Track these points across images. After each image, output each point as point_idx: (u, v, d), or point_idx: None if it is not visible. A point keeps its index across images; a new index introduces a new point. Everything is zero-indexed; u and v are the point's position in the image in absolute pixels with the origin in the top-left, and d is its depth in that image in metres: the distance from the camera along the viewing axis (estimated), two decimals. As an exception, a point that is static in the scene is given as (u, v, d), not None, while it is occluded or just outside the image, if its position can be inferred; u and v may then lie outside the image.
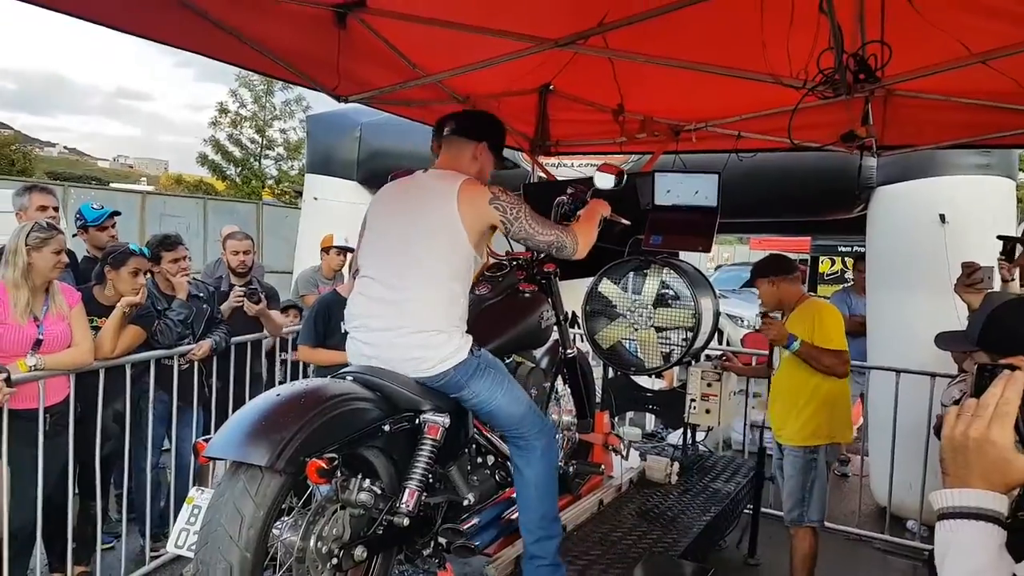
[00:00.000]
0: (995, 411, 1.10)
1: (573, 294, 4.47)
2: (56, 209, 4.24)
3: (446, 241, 2.42)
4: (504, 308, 2.94)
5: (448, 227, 2.41)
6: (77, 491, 3.86)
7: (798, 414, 3.72)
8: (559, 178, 5.28)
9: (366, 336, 2.42)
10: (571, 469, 3.31)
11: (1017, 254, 3.82)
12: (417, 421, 2.33)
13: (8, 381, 3.04)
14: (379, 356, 2.38)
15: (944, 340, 2.51)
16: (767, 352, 4.22)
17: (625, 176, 3.00)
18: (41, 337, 3.38)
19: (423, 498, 2.27)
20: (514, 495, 2.68)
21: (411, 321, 2.35)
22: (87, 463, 3.76)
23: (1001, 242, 3.83)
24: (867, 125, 3.08)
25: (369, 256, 2.56)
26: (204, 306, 4.32)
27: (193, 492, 2.24)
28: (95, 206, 4.56)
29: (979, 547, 1.07)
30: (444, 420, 2.32)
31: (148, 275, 4.02)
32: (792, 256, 5.04)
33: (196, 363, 4.23)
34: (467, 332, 2.48)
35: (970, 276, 3.39)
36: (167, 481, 4.36)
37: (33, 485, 3.31)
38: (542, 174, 5.36)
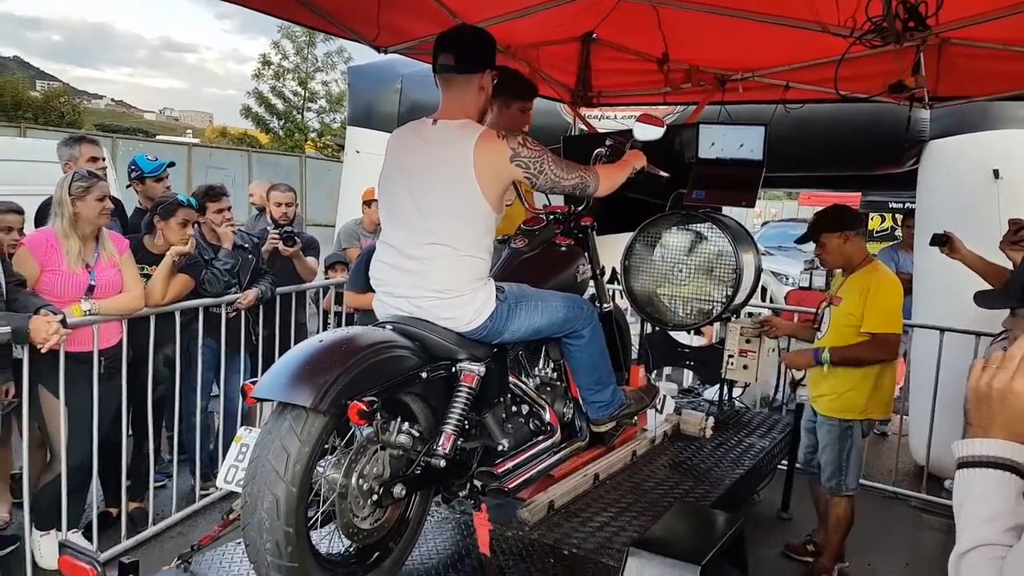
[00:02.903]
0: (1020, 363, 1.11)
1: (613, 249, 4.48)
2: (105, 159, 4.35)
3: (462, 206, 2.35)
4: (540, 261, 2.95)
5: (463, 190, 2.33)
6: (131, 432, 4.04)
7: (837, 385, 3.60)
8: (600, 130, 5.23)
9: (391, 300, 2.45)
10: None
11: None
12: (454, 369, 2.38)
13: (64, 323, 3.17)
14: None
15: (984, 298, 2.46)
16: (812, 309, 4.16)
17: (666, 127, 2.95)
18: (93, 283, 3.51)
19: (459, 442, 2.33)
20: (547, 443, 2.75)
21: (431, 290, 2.34)
22: (140, 405, 3.93)
23: None
24: (917, 75, 2.97)
25: (386, 219, 2.53)
26: (249, 256, 4.43)
27: (241, 431, 2.33)
28: (150, 157, 4.67)
29: (997, 495, 1.09)
30: (479, 369, 2.37)
31: (195, 226, 4.13)
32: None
33: (243, 312, 4.35)
34: (491, 278, 2.50)
35: (1016, 233, 3.31)
36: (216, 424, 4.53)
37: (89, 424, 3.49)
38: (583, 126, 5.32)
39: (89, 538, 3.67)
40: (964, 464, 1.14)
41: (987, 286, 3.42)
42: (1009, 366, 1.12)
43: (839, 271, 3.87)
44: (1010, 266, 3.30)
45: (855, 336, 3.52)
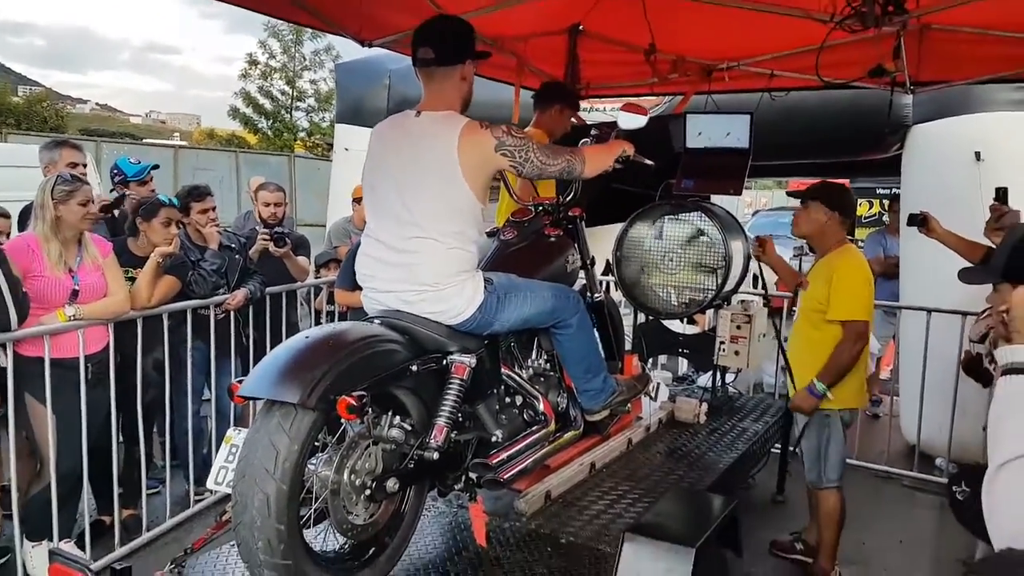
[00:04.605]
0: None
1: (606, 240, 4.49)
2: (85, 166, 4.30)
3: (448, 200, 2.35)
4: (529, 252, 2.95)
5: (449, 183, 2.34)
6: (121, 439, 3.99)
7: (810, 375, 3.49)
8: (588, 123, 5.23)
9: (378, 296, 2.45)
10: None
11: None
12: (444, 362, 2.38)
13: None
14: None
15: (968, 274, 2.47)
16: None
17: (649, 116, 2.95)
18: (77, 288, 3.47)
19: (452, 435, 2.33)
20: (542, 433, 2.75)
21: (419, 282, 2.34)
22: (130, 411, 3.89)
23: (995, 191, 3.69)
24: (897, 59, 2.99)
25: (371, 213, 2.51)
26: (236, 257, 4.40)
27: (231, 432, 2.33)
28: (133, 161, 4.63)
29: None
30: (470, 360, 2.37)
31: (180, 226, 4.10)
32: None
33: (232, 313, 4.32)
34: (480, 270, 2.50)
35: (998, 220, 3.34)
36: (208, 428, 4.52)
37: (78, 431, 3.45)
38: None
39: (82, 547, 3.64)
40: (1009, 371, 1.08)
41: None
42: None
43: (813, 255, 3.81)
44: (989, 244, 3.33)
45: (821, 321, 3.47)
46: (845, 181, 11.65)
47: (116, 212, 4.39)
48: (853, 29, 2.70)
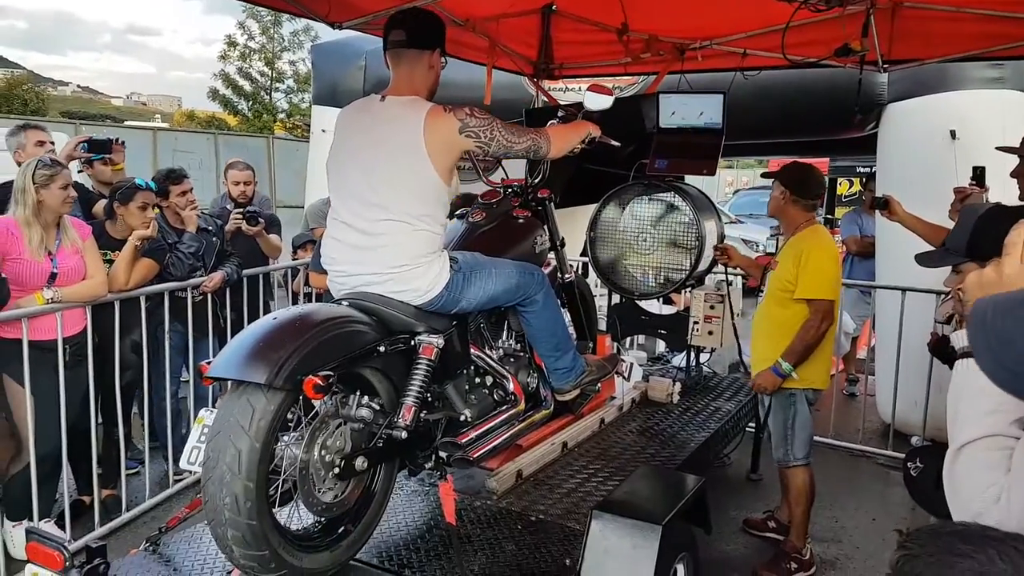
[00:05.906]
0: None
1: (580, 221, 4.51)
2: (53, 143, 4.27)
3: (414, 182, 2.37)
4: (497, 234, 2.96)
5: (415, 166, 2.36)
6: (100, 420, 4.03)
7: (774, 354, 3.48)
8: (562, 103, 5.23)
9: (345, 280, 2.47)
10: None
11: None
12: (412, 342, 2.40)
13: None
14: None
15: (927, 258, 2.43)
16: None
17: (615, 97, 2.96)
18: (56, 271, 3.48)
19: (421, 414, 2.36)
20: (512, 412, 2.79)
21: (386, 265, 2.37)
22: (108, 392, 3.91)
23: (972, 170, 3.71)
24: (863, 38, 3.01)
25: (337, 197, 2.53)
26: (213, 239, 4.41)
27: (203, 413, 2.36)
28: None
29: None
30: (438, 341, 2.40)
31: (157, 209, 4.10)
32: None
33: (209, 295, 4.33)
34: (445, 250, 2.53)
35: (962, 202, 3.38)
36: (188, 409, 4.53)
37: (56, 412, 3.47)
38: (545, 99, 5.31)
39: (62, 527, 3.66)
40: (967, 354, 1.08)
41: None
42: (1015, 252, 1.07)
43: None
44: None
45: (788, 300, 3.48)
46: (824, 160, 11.73)
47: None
48: (818, 8, 2.72)
